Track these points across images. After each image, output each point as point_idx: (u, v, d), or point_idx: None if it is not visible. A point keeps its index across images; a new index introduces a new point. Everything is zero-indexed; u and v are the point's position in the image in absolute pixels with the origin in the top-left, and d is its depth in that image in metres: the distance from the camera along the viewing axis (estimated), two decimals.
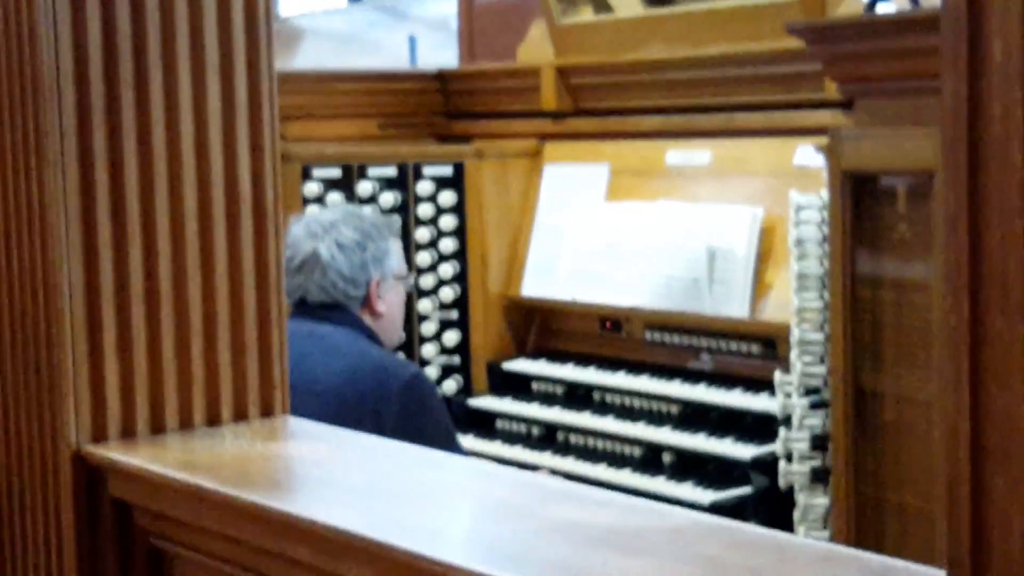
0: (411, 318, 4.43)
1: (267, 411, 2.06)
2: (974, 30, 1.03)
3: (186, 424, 1.99)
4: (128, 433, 1.95)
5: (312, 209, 4.38)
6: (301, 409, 3.08)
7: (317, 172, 4.47)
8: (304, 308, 3.27)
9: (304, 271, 3.26)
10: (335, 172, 4.49)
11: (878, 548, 3.00)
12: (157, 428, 1.97)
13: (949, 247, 1.05)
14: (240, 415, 2.03)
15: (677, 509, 1.55)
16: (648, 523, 1.50)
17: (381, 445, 1.96)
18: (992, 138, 1.04)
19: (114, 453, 1.88)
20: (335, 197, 4.44)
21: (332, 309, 3.26)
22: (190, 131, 1.99)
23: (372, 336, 3.28)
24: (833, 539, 3.06)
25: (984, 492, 1.06)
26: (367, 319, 3.29)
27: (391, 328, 3.38)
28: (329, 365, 3.13)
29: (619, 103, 4.38)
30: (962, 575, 1.06)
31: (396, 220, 4.41)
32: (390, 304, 3.34)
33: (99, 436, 1.93)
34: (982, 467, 1.06)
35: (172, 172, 1.98)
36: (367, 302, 3.28)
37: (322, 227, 3.29)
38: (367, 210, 3.48)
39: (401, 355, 4.40)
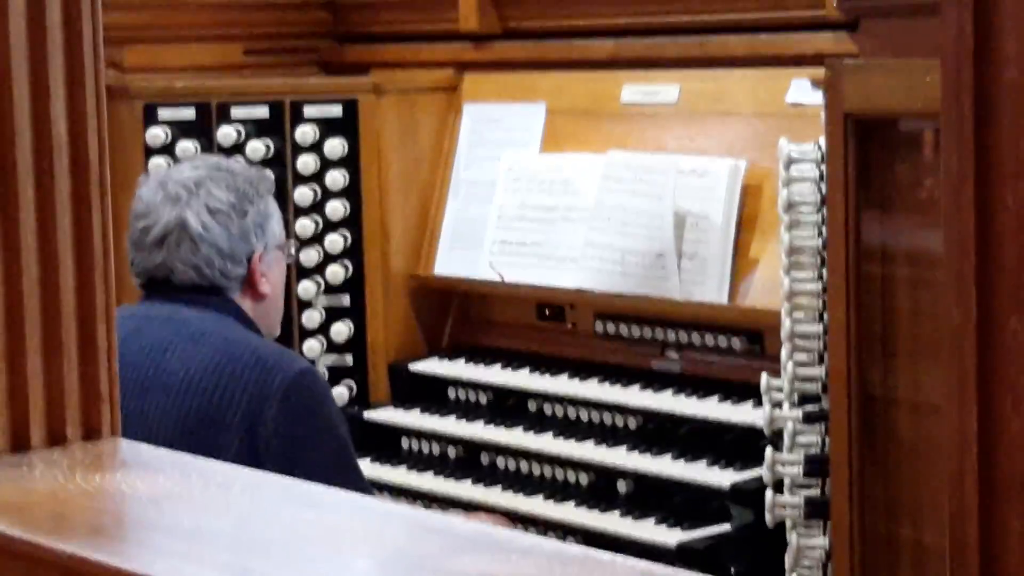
0: (288, 305, 4.42)
1: (91, 433, 2.06)
2: None
3: None
4: None
5: (158, 162, 4.37)
6: (151, 411, 3.13)
7: (164, 113, 4.46)
8: (164, 289, 3.31)
9: (167, 245, 3.29)
10: (187, 113, 4.47)
11: None
12: None
13: (951, 225, 1.08)
14: (55, 438, 2.03)
15: (619, 558, 1.58)
16: None
17: (241, 476, 1.97)
18: (1006, 84, 1.07)
19: None
20: (187, 146, 4.43)
21: (204, 293, 3.30)
22: None
23: (250, 325, 3.33)
24: None
25: (996, 534, 1.09)
26: (246, 304, 3.33)
27: (274, 313, 3.45)
28: (190, 355, 3.17)
29: (559, 22, 4.39)
30: None
31: (269, 176, 4.42)
32: (274, 282, 3.40)
33: None
34: (994, 503, 1.09)
35: None
36: (249, 282, 3.33)
37: (184, 188, 3.31)
38: (236, 161, 3.50)
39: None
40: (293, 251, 3.75)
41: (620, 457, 3.82)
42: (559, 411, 4.08)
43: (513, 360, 4.25)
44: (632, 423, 3.92)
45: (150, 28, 4.64)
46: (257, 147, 4.44)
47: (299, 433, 3.14)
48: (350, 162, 4.46)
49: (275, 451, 3.09)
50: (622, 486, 3.82)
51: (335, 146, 4.45)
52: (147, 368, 3.15)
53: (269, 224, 3.36)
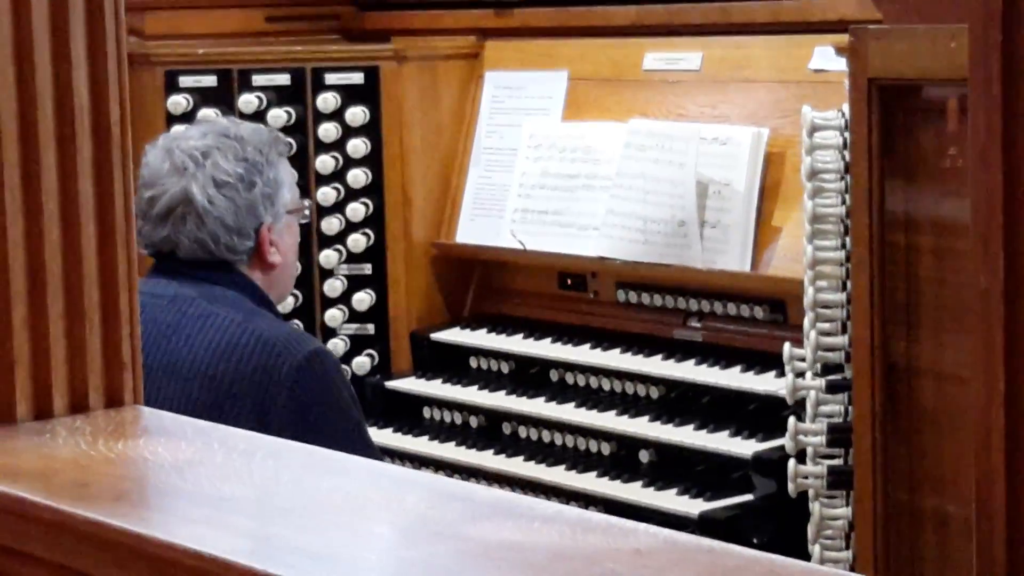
0: (310, 274, 4.44)
1: (113, 400, 2.07)
2: None
3: (6, 418, 2.00)
4: None
5: (179, 130, 4.37)
6: (157, 396, 3.10)
7: (185, 80, 4.46)
8: (170, 264, 3.26)
9: (172, 220, 3.23)
10: (209, 80, 4.47)
11: (913, 570, 3.05)
12: None
13: (978, 188, 1.08)
14: (78, 406, 2.04)
15: (642, 526, 1.58)
16: (604, 544, 1.53)
17: (263, 444, 1.98)
18: None
19: None
20: (209, 114, 4.43)
21: (212, 268, 3.25)
22: (7, 28, 1.99)
23: (261, 298, 3.29)
24: (856, 561, 3.11)
25: (1023, 500, 1.09)
26: (256, 276, 3.30)
27: (285, 279, 3.41)
28: (197, 340, 3.13)
29: None
30: None
31: (289, 143, 4.41)
32: (285, 250, 3.35)
33: None
34: (1020, 469, 1.09)
35: None
36: (257, 254, 3.29)
37: (191, 159, 3.24)
38: (245, 126, 3.43)
39: (298, 325, 4.40)
40: (307, 212, 3.69)
41: (642, 427, 3.82)
42: (581, 380, 4.08)
43: (535, 329, 4.26)
44: (654, 392, 3.93)
45: None
46: (278, 115, 4.44)
47: (311, 418, 3.10)
48: (372, 130, 4.46)
49: (288, 436, 3.08)
50: (644, 456, 3.83)
51: (356, 114, 4.44)
52: (152, 351, 3.09)
53: (280, 192, 3.29)
